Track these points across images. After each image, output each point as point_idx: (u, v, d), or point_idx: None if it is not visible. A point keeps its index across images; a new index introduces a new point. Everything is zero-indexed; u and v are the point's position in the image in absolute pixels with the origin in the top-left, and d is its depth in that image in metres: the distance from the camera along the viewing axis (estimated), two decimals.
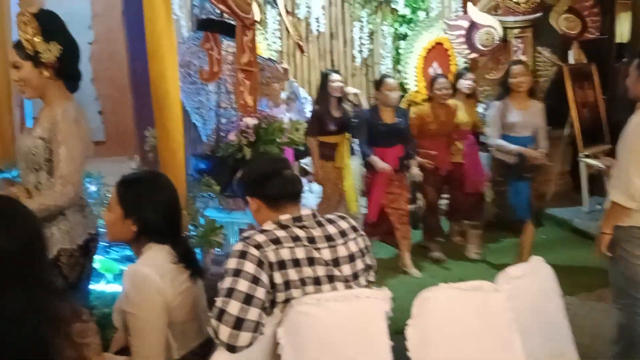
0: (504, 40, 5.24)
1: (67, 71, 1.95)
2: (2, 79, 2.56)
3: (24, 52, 1.85)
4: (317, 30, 5.88)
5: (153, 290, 1.54)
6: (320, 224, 1.68)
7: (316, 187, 5.26)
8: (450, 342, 1.68)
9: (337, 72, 4.49)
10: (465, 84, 4.34)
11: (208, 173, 2.93)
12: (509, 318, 1.72)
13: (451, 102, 4.16)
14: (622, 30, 5.34)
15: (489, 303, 1.74)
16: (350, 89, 4.93)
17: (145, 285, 1.54)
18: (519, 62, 4.22)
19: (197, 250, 2.59)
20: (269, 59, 4.18)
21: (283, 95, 4.33)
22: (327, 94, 4.19)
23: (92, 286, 2.70)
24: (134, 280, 1.55)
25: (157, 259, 1.61)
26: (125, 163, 4.06)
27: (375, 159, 3.87)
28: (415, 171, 4.02)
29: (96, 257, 2.73)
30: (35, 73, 1.88)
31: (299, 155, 4.29)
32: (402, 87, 5.90)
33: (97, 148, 4.43)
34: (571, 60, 5.16)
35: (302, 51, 4.41)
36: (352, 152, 4.54)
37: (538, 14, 5.18)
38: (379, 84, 3.96)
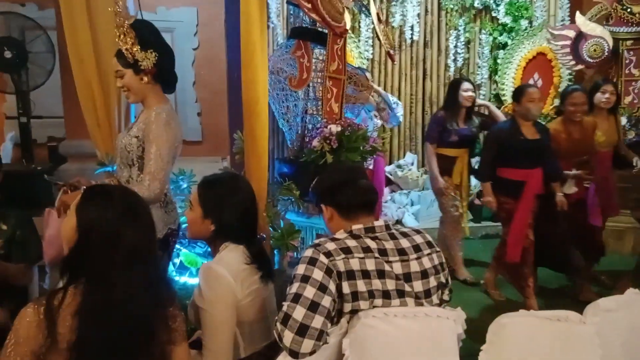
0: (615, 52, 4.84)
1: (163, 76, 2.09)
2: (110, 83, 2.79)
3: (125, 60, 2.00)
4: (411, 38, 5.80)
5: (225, 288, 1.59)
6: (393, 237, 1.64)
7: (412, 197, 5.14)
8: None
9: (468, 80, 4.18)
10: (602, 97, 3.63)
11: (290, 177, 2.98)
12: (595, 354, 1.58)
13: (589, 119, 3.52)
14: None
15: (573, 336, 1.61)
16: (481, 101, 4.47)
17: (218, 282, 1.59)
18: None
19: (275, 252, 2.65)
20: (359, 68, 4.18)
21: (373, 102, 4.26)
22: (457, 102, 3.82)
23: (177, 278, 2.86)
24: (208, 277, 1.62)
25: (231, 259, 1.67)
26: (217, 163, 4.27)
27: (487, 187, 3.43)
28: (572, 190, 3.41)
29: (182, 251, 2.90)
30: (135, 79, 2.03)
31: None
32: (499, 99, 5.67)
33: (194, 147, 4.75)
34: None
35: (392, 60, 4.35)
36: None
37: None
38: (519, 94, 3.39)
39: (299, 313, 1.43)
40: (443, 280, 1.68)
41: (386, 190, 5.19)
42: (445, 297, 1.71)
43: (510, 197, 3.33)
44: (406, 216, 5.01)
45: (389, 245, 1.61)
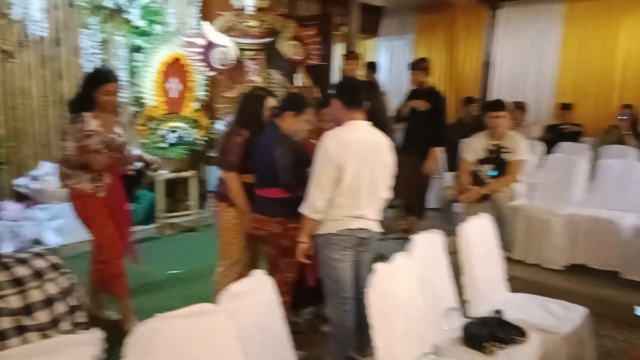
0: (239, 61, 5.47)
1: None
2: None
3: None
4: (38, 34, 5.16)
5: None
6: (6, 267, 1.41)
7: None
8: None
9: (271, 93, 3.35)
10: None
11: None
12: (231, 337, 1.73)
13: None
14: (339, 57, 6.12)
15: (211, 325, 1.72)
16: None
17: None
18: None
19: None
20: None
21: None
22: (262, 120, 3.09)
23: None
24: None
25: None
26: None
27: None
28: None
29: None
30: None
31: None
32: (139, 102, 5.63)
33: None
34: (298, 83, 5.70)
35: (10, 58, 3.77)
36: None
37: (269, 39, 5.56)
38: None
39: None
40: (75, 303, 1.54)
41: (17, 207, 4.52)
42: (80, 319, 1.58)
43: None
44: (47, 233, 4.47)
45: (2, 276, 1.37)
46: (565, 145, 5.68)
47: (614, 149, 5.46)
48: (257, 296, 2.01)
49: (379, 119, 2.80)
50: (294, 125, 2.97)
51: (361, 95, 2.63)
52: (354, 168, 2.51)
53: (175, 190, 5.72)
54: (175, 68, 5.60)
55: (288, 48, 5.49)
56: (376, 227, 2.71)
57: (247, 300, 1.95)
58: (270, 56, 5.60)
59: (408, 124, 4.93)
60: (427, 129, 4.68)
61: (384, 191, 2.70)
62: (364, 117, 2.64)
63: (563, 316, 2.62)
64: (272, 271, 2.53)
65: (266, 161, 2.86)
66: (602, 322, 3.44)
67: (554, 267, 4.19)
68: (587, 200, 4.51)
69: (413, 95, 4.90)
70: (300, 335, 3.03)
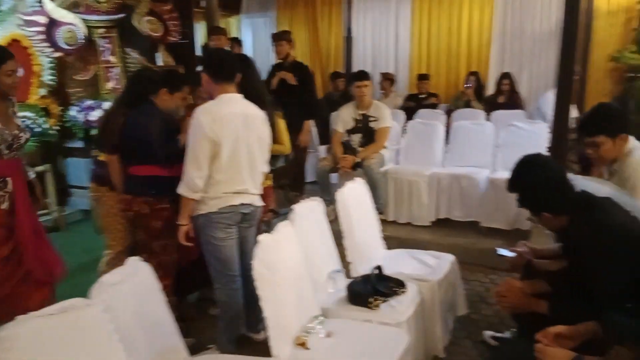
0: (90, 40, 5.01)
1: None
2: None
3: None
4: None
5: None
6: None
7: None
8: None
9: None
10: None
11: None
12: (106, 330, 1.59)
13: None
14: (201, 35, 5.89)
15: (82, 321, 1.56)
16: None
17: None
18: None
19: None
20: None
21: None
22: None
23: None
24: None
25: None
26: None
27: None
28: None
29: None
30: None
31: None
32: None
33: None
34: (160, 62, 5.38)
35: None
36: None
37: (121, 15, 5.15)
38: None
39: None
40: None
41: None
42: None
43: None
44: None
45: None
46: (423, 112, 6.09)
47: (465, 112, 5.97)
48: (133, 284, 1.87)
49: (253, 92, 2.73)
50: (170, 103, 2.83)
51: (231, 68, 2.54)
52: (230, 142, 2.43)
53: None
54: (14, 51, 4.93)
55: (144, 24, 5.13)
56: (258, 202, 2.67)
57: (123, 289, 1.81)
58: (126, 34, 5.19)
59: (277, 99, 4.91)
60: (297, 102, 4.70)
61: (263, 165, 2.66)
62: (237, 90, 2.56)
63: (434, 265, 2.83)
64: (147, 256, 2.37)
65: (137, 137, 2.67)
66: (469, 269, 3.80)
67: (423, 224, 4.52)
68: (446, 160, 4.90)
69: (279, 68, 4.88)
70: (188, 322, 2.94)
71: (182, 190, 2.44)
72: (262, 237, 2.01)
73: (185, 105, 3.03)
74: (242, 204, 2.55)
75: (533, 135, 4.47)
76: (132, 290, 1.85)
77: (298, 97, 4.70)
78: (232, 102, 2.50)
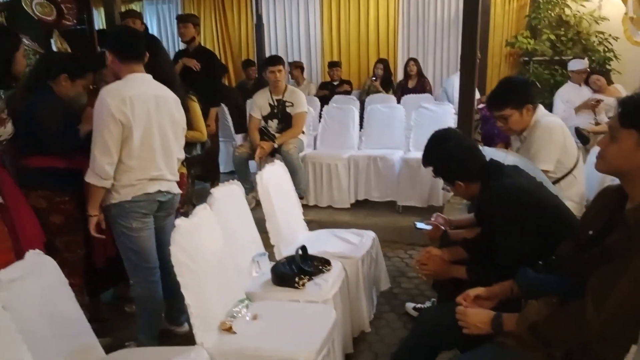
0: None
1: None
2: None
3: None
4: None
5: None
6: None
7: None
8: None
9: None
10: None
11: None
12: (9, 330, 1.42)
13: None
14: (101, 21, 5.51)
15: None
16: None
17: None
18: None
19: None
20: None
21: None
22: None
23: None
24: None
25: None
26: None
27: None
28: None
29: None
30: None
31: None
32: None
33: None
34: (54, 48, 4.95)
35: None
36: None
37: None
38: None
39: None
40: None
41: None
42: None
43: None
44: None
45: None
46: (338, 99, 6.16)
47: (377, 97, 6.12)
48: (36, 281, 1.70)
49: (163, 74, 2.56)
50: (69, 90, 2.58)
51: (139, 46, 2.36)
52: (141, 125, 2.27)
53: None
54: None
55: (35, 7, 4.69)
56: (176, 189, 2.53)
57: (25, 286, 1.64)
58: (16, 18, 4.72)
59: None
60: (203, 89, 4.46)
61: (178, 151, 2.52)
62: (144, 70, 2.39)
63: (357, 242, 2.85)
64: (50, 252, 2.17)
65: (29, 125, 2.42)
66: (389, 246, 3.90)
67: (343, 206, 4.58)
68: (362, 143, 4.99)
69: (184, 54, 4.68)
70: (102, 321, 2.77)
71: (90, 178, 2.25)
72: (180, 222, 1.91)
73: (88, 92, 2.81)
74: (159, 192, 2.40)
75: (441, 116, 4.67)
76: (36, 287, 1.68)
77: (203, 83, 4.46)
78: (141, 82, 2.34)
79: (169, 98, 2.44)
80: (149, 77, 2.39)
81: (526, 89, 2.57)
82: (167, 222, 2.54)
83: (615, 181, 1.53)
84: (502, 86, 2.60)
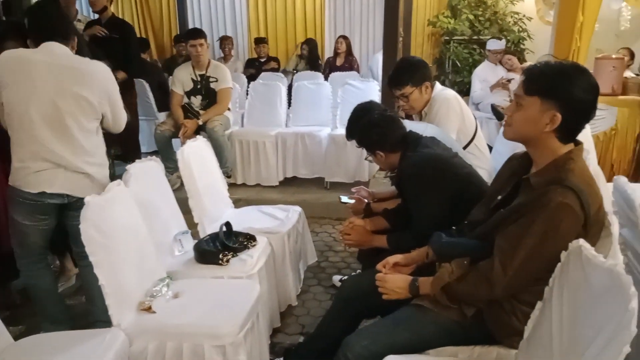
0: None
1: None
2: None
3: None
4: None
5: None
6: None
7: None
8: None
9: None
10: None
11: None
12: None
13: None
14: None
15: None
16: None
17: None
18: None
19: None
20: None
21: None
22: None
23: None
24: None
25: None
26: None
27: None
28: None
29: None
30: None
31: None
32: None
33: None
34: None
35: None
36: None
37: None
38: None
39: None
40: None
41: None
42: None
43: None
44: None
45: None
46: (265, 75, 6.06)
47: (304, 74, 6.09)
48: None
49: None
50: None
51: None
52: (16, 88, 2.07)
53: None
54: None
55: None
56: (82, 190, 2.34)
57: None
58: None
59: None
60: (117, 61, 4.19)
61: (88, 134, 2.31)
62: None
63: (283, 217, 2.84)
64: None
65: None
66: (317, 222, 3.94)
67: (271, 184, 4.55)
68: (290, 120, 4.96)
69: (93, 25, 4.38)
70: (13, 309, 2.62)
71: None
72: (90, 198, 1.80)
73: None
74: (50, 194, 2.15)
75: (366, 93, 4.72)
76: None
77: (117, 55, 4.17)
78: (44, 50, 2.15)
79: (86, 71, 2.20)
80: (60, 46, 2.19)
81: (423, 67, 2.63)
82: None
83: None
84: (400, 65, 2.66)
